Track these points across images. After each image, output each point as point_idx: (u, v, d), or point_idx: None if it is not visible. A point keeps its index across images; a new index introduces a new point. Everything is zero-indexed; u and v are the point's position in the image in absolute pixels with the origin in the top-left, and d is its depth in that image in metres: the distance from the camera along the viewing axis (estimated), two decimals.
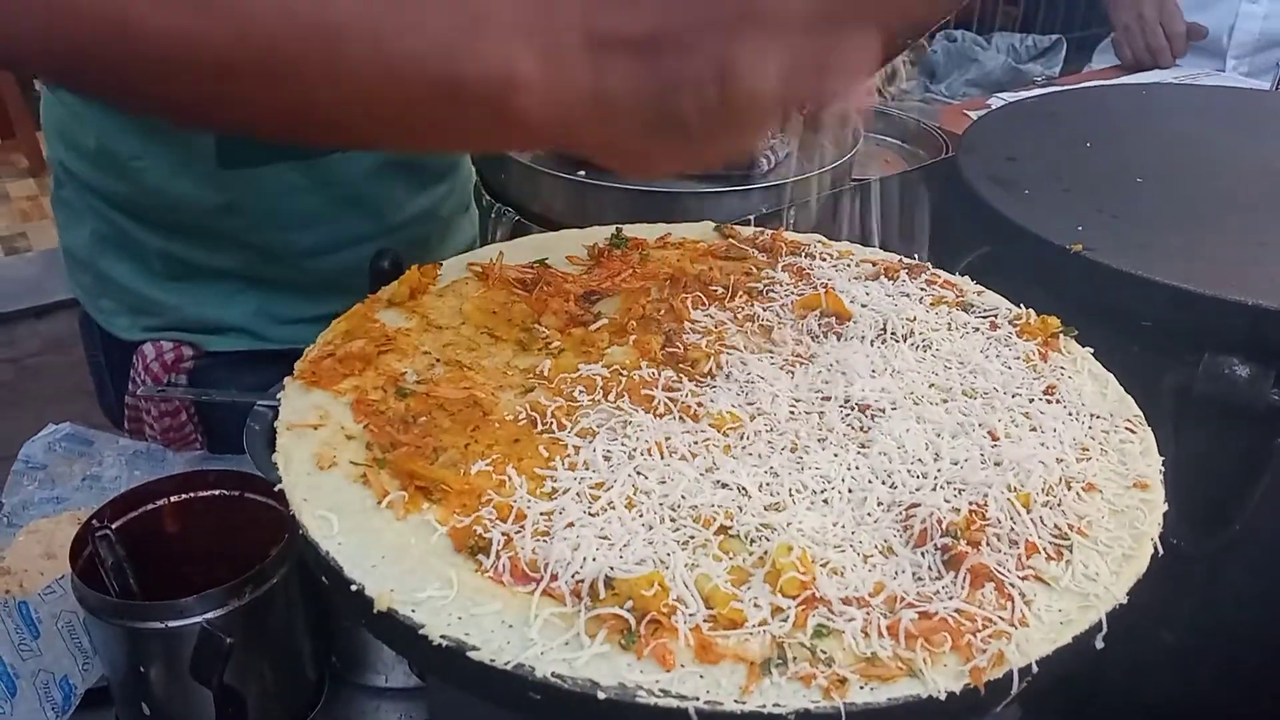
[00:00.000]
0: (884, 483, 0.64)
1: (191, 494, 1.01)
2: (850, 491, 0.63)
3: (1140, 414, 0.74)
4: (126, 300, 1.10)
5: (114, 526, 0.97)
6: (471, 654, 0.52)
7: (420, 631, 0.54)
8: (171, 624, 0.87)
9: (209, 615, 0.88)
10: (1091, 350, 0.81)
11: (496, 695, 0.53)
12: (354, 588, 0.56)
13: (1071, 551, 0.60)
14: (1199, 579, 0.97)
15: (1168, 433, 0.88)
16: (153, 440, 1.16)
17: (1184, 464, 0.86)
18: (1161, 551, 0.62)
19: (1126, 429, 0.71)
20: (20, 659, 0.98)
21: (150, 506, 1.01)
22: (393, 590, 0.56)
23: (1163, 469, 0.69)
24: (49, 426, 1.25)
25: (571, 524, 0.59)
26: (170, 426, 1.12)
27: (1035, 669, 0.54)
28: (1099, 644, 0.57)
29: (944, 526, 0.59)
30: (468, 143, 0.77)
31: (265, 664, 0.94)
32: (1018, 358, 0.78)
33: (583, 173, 1.22)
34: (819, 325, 0.80)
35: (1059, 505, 0.63)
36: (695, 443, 0.66)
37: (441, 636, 0.53)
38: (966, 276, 0.90)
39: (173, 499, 1.01)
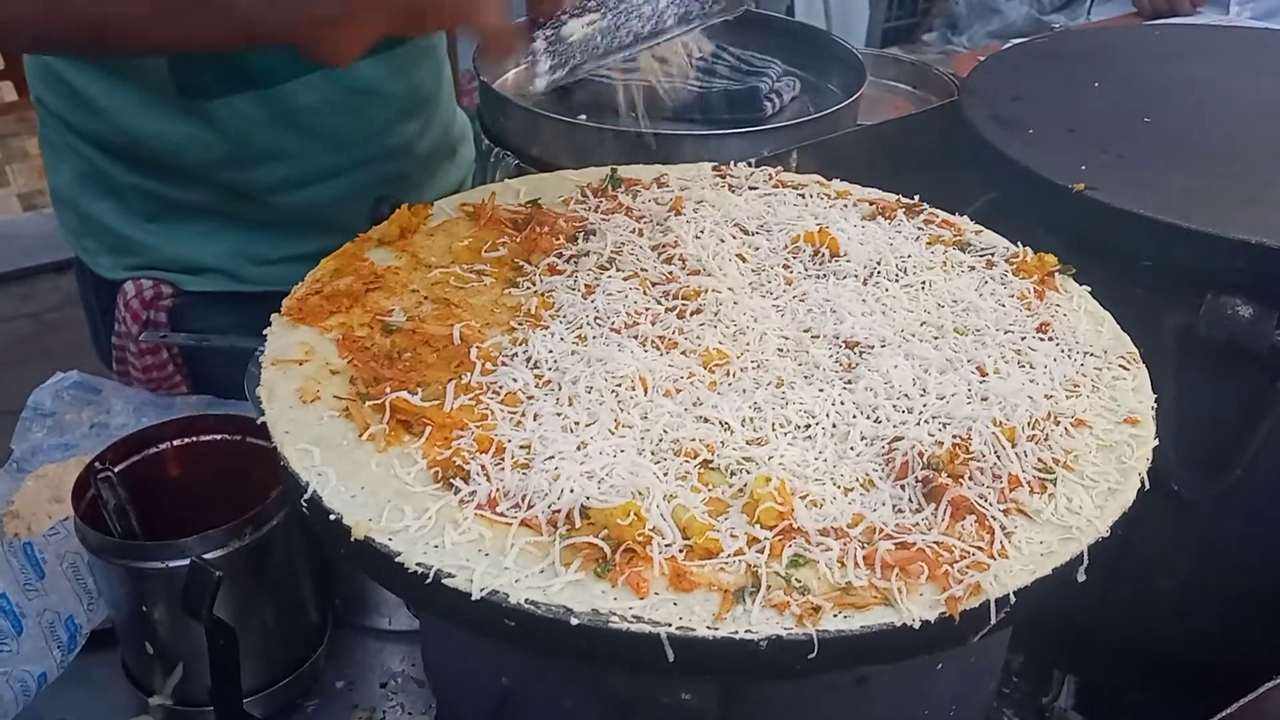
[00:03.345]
0: (868, 417, 0.64)
1: (194, 438, 1.01)
2: (834, 426, 0.63)
3: (1135, 351, 0.72)
4: (108, 239, 1.11)
5: (117, 469, 0.98)
6: (446, 581, 0.53)
7: (396, 560, 0.54)
8: (172, 564, 0.87)
9: (208, 555, 0.88)
10: (1089, 289, 0.80)
11: (471, 622, 0.53)
12: (332, 517, 0.57)
13: (1055, 485, 0.60)
14: (1199, 525, 0.96)
15: (1168, 375, 0.87)
16: (138, 383, 1.17)
17: (1184, 407, 0.85)
18: (1149, 486, 0.61)
19: (1120, 366, 0.70)
20: (26, 598, 1.00)
21: (153, 450, 1.02)
22: (370, 519, 0.56)
23: (1154, 405, 0.68)
24: (57, 374, 1.25)
25: (551, 456, 0.58)
26: (152, 365, 1.12)
27: (1013, 600, 0.54)
28: (1080, 576, 0.57)
29: (925, 459, 0.59)
30: (206, 36, 0.82)
31: (267, 606, 0.95)
32: (1012, 295, 0.77)
33: (583, 116, 1.20)
34: (811, 261, 0.79)
35: (1045, 440, 0.63)
36: (680, 378, 0.66)
37: (417, 564, 0.53)
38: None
39: (175, 443, 1.02)
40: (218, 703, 0.80)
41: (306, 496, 0.58)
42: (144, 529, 0.97)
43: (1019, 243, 0.84)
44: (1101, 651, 1.05)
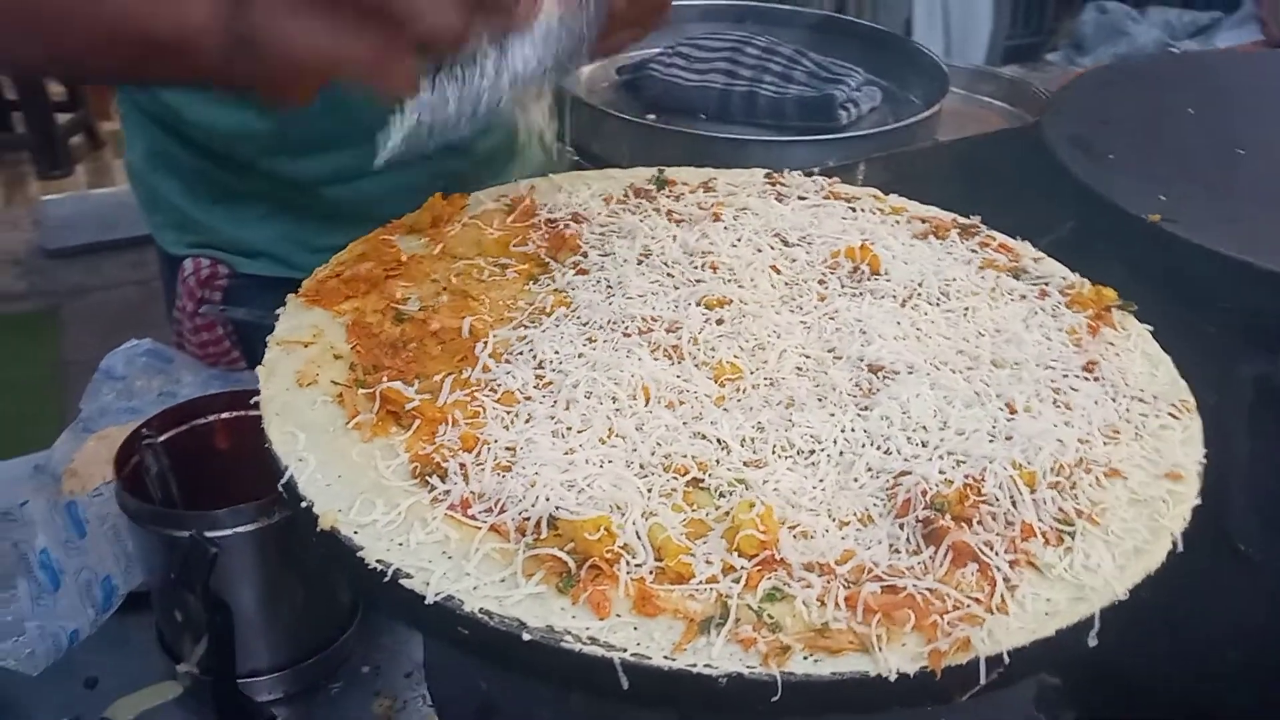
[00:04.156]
0: (878, 447, 0.59)
1: (242, 411, 1.02)
2: (840, 454, 0.59)
3: (1190, 400, 0.66)
4: (173, 216, 1.13)
5: (162, 438, 0.99)
6: (403, 581, 0.51)
7: (358, 554, 0.52)
8: (205, 534, 0.87)
9: (239, 529, 0.89)
10: (1151, 329, 0.74)
11: (425, 626, 0.52)
12: (304, 504, 0.55)
13: (1074, 539, 0.55)
14: (1270, 589, 0.89)
15: (1241, 426, 0.81)
16: (194, 357, 1.19)
17: (1258, 462, 0.79)
18: (1181, 549, 0.56)
19: (1170, 415, 0.65)
20: (66, 555, 1.02)
21: (201, 421, 1.03)
22: (340, 510, 0.54)
23: (1203, 460, 0.62)
24: (131, 341, 1.29)
25: (534, 461, 0.56)
26: (208, 342, 1.14)
27: (1008, 660, 0.49)
28: (1092, 641, 0.52)
29: (929, 498, 0.54)
30: (166, 76, 0.80)
31: (297, 584, 0.95)
32: (1061, 330, 0.71)
33: (651, 117, 1.18)
34: (849, 278, 0.75)
35: (1071, 489, 0.58)
36: (686, 390, 0.63)
37: (377, 561, 0.52)
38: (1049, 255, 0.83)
39: (223, 416, 1.02)
40: (213, 678, 0.80)
41: (284, 481, 0.57)
42: (186, 499, 0.98)
43: (1081, 275, 0.78)
44: (1158, 715, 0.98)
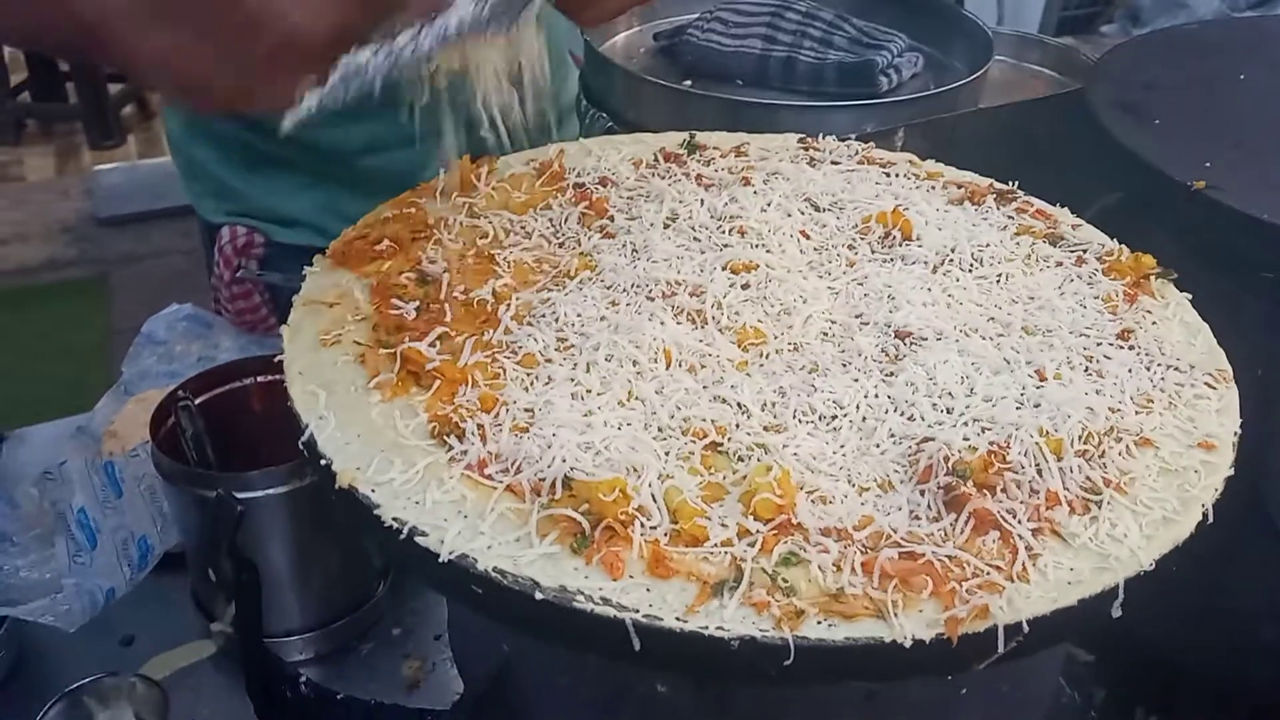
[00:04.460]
0: (902, 414, 0.58)
1: (277, 375, 1.03)
2: (863, 420, 0.58)
3: (1227, 369, 0.65)
4: (211, 185, 1.14)
5: (199, 400, 1.00)
6: (418, 539, 0.51)
7: (375, 511, 0.52)
8: (237, 495, 0.88)
9: (270, 490, 0.90)
10: (1191, 297, 0.72)
11: (440, 584, 0.51)
12: (323, 462, 0.55)
13: (1101, 507, 0.53)
14: None
15: None
16: (231, 323, 1.20)
17: None
18: (1212, 519, 0.54)
19: (1206, 384, 0.63)
20: (103, 515, 1.04)
21: (236, 384, 1.04)
22: (358, 468, 0.54)
23: (1238, 431, 0.60)
24: (172, 305, 1.30)
25: (552, 422, 0.56)
26: (245, 309, 1.15)
27: (1027, 628, 0.48)
28: (1116, 612, 0.51)
29: (950, 464, 0.53)
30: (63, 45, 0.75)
31: (329, 545, 0.96)
32: (1097, 297, 0.69)
33: (688, 83, 1.17)
34: (880, 243, 0.74)
35: (1100, 457, 0.56)
36: (708, 354, 0.62)
37: (394, 519, 0.52)
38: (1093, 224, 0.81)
39: (259, 379, 1.03)
40: (240, 636, 0.81)
41: (304, 439, 0.57)
42: (221, 461, 1.00)
43: (1127, 244, 0.76)
44: (1192, 695, 0.97)
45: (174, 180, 1.28)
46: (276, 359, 0.63)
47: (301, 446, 0.58)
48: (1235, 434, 0.60)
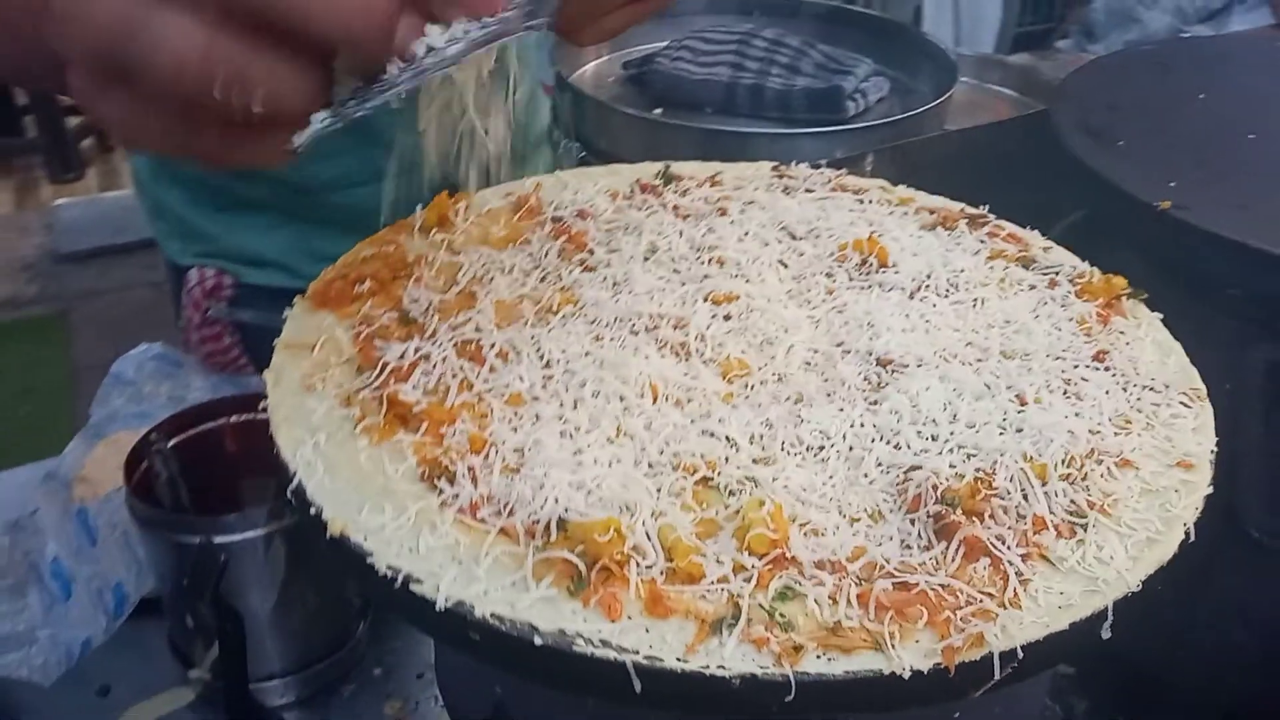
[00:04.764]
0: (888, 442, 0.59)
1: (252, 415, 1.02)
2: (850, 450, 0.59)
3: (1201, 388, 0.66)
4: (178, 226, 1.13)
5: (172, 442, 0.99)
6: (414, 586, 0.51)
7: (368, 560, 0.52)
8: (215, 539, 0.88)
9: (249, 534, 0.89)
10: (1161, 317, 0.73)
11: (437, 632, 0.51)
12: (313, 510, 0.55)
13: (1087, 530, 0.54)
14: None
15: (1255, 413, 0.80)
16: (200, 361, 1.19)
17: (1271, 449, 0.78)
18: (1193, 538, 0.55)
19: (1181, 403, 0.64)
20: (77, 563, 1.02)
21: (210, 425, 1.03)
22: (348, 516, 0.54)
23: (1215, 449, 0.61)
24: (142, 345, 1.29)
25: (542, 462, 0.56)
26: (214, 351, 1.14)
27: (1021, 655, 0.49)
28: (1105, 634, 0.52)
29: (939, 493, 0.54)
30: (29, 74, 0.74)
31: (308, 587, 0.95)
32: (1071, 319, 0.71)
33: (659, 111, 1.18)
34: (857, 271, 0.75)
35: (1083, 480, 0.57)
36: (694, 387, 0.63)
37: (388, 567, 0.51)
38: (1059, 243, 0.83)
39: (233, 419, 1.02)
40: (225, 687, 0.80)
41: (292, 486, 0.57)
42: (197, 504, 0.99)
43: (1094, 264, 0.78)
44: (1170, 703, 0.98)
45: (136, 213, 1.27)
46: (261, 405, 0.63)
47: (289, 495, 0.57)
48: (1212, 452, 0.61)
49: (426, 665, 1.02)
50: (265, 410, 0.62)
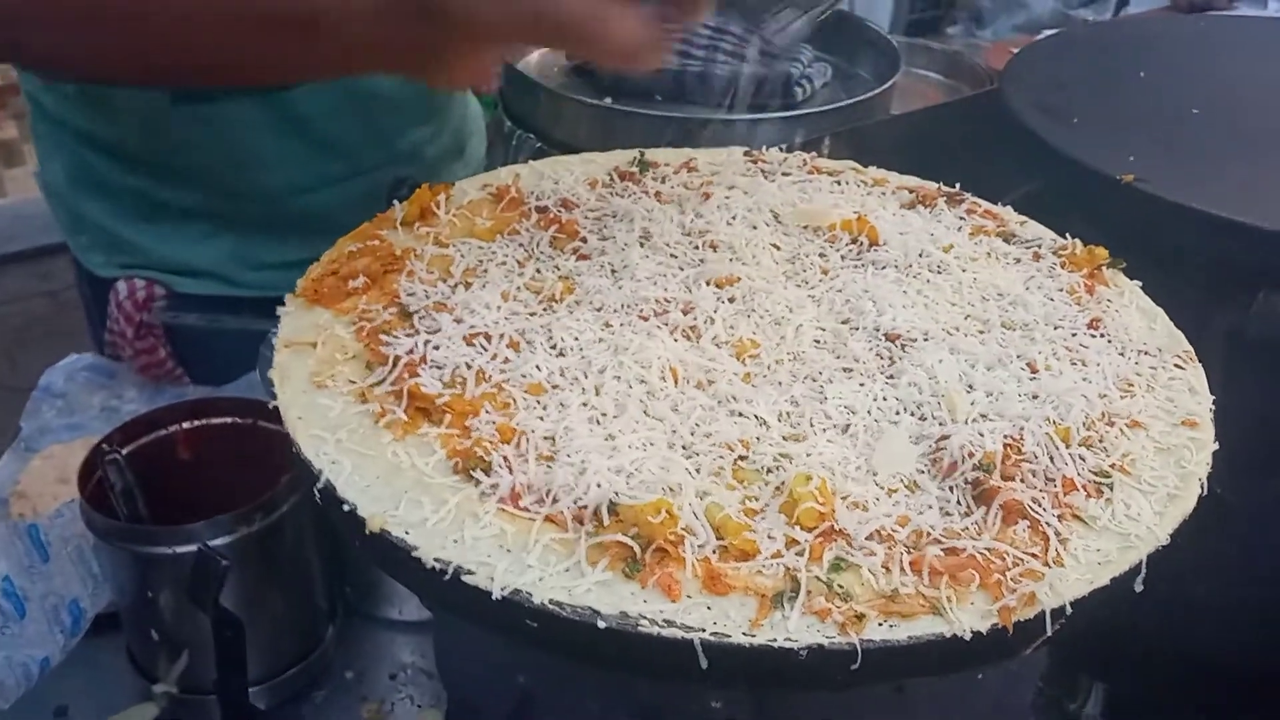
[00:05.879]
0: (913, 414, 0.60)
1: (204, 421, 0.99)
2: (876, 423, 0.60)
3: (1190, 350, 0.69)
4: (101, 238, 1.07)
5: (125, 451, 0.95)
6: (466, 578, 0.49)
7: (414, 554, 0.51)
8: (179, 549, 0.85)
9: (215, 541, 0.86)
10: (1140, 284, 0.76)
11: (492, 622, 0.50)
12: (346, 508, 0.53)
13: (1112, 490, 0.56)
14: (1241, 531, 0.92)
15: (1217, 376, 0.84)
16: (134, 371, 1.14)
17: (1233, 409, 0.82)
18: (1207, 492, 0.58)
19: (1175, 365, 0.67)
20: (30, 581, 0.97)
21: (162, 432, 0.99)
22: (386, 511, 0.53)
23: (1213, 407, 0.64)
24: (71, 356, 1.23)
25: (577, 449, 0.55)
26: (150, 363, 1.09)
27: (1069, 610, 0.50)
28: (1138, 586, 0.54)
29: (975, 460, 0.55)
30: (298, 69, 0.79)
31: (276, 593, 0.92)
32: (1061, 290, 0.73)
33: (609, 100, 1.17)
34: (849, 250, 0.76)
35: (1100, 442, 0.59)
36: (713, 369, 0.63)
37: (435, 560, 0.50)
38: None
39: (185, 425, 0.99)
40: (223, 694, 0.77)
41: (320, 485, 0.55)
42: (152, 513, 0.95)
43: (1066, 235, 0.80)
44: (1132, 659, 1.02)
45: (25, 221, 1.21)
46: (271, 404, 0.61)
47: (317, 493, 0.56)
48: (1211, 410, 0.64)
49: (399, 666, 1.01)
50: (264, 412, 0.60)
